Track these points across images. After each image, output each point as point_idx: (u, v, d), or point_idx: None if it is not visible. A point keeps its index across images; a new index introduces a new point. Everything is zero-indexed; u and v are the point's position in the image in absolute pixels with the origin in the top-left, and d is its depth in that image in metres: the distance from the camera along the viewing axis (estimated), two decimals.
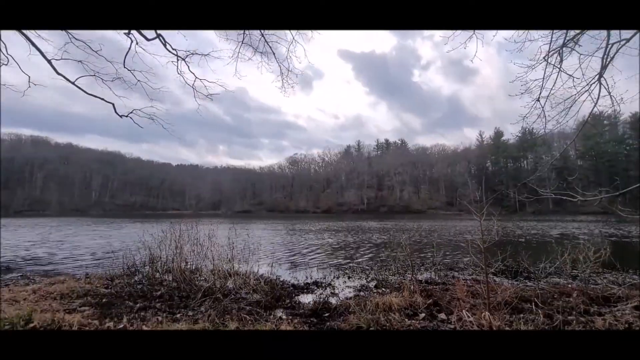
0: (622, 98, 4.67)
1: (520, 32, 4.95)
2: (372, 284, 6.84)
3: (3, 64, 4.68)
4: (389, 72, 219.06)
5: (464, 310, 4.34)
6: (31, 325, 4.05)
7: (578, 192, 4.48)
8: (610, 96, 4.72)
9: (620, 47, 4.53)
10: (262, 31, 5.38)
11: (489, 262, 4.93)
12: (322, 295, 5.85)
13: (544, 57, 4.97)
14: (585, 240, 14.92)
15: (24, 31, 4.45)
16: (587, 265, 5.77)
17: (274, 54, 5.73)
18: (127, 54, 5.23)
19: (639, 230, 19.78)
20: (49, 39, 4.71)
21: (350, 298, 5.52)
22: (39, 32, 4.59)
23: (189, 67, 5.69)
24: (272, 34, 5.50)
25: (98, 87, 5.18)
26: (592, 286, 6.00)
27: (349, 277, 7.71)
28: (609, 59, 4.62)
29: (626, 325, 4.13)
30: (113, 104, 5.30)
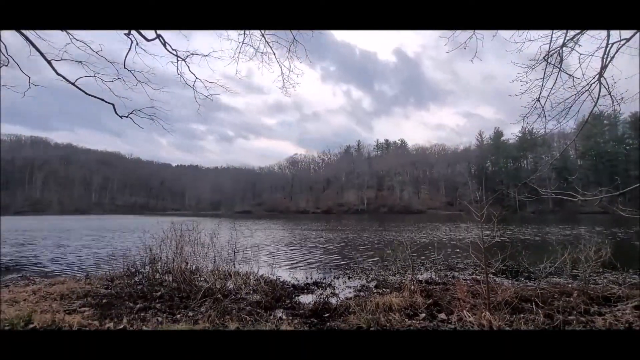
0: (622, 97, 4.67)
1: (520, 32, 4.95)
2: (372, 284, 6.83)
3: (3, 64, 4.67)
4: None
5: (464, 310, 4.34)
6: (31, 326, 4.05)
7: (578, 191, 4.47)
8: (611, 96, 4.72)
9: (620, 47, 4.52)
10: (263, 31, 5.38)
11: (489, 262, 4.93)
12: (322, 296, 5.84)
13: (543, 57, 4.97)
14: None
15: (24, 32, 4.44)
16: (588, 265, 5.76)
17: (274, 54, 5.73)
18: (127, 54, 5.23)
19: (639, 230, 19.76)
20: (49, 40, 4.71)
21: (351, 298, 5.51)
22: (39, 33, 4.59)
23: (189, 67, 5.69)
24: (272, 34, 5.50)
25: (98, 88, 5.19)
26: (592, 286, 5.99)
27: (349, 277, 7.71)
28: (609, 59, 4.62)
29: (626, 325, 4.13)
30: (113, 105, 5.29)
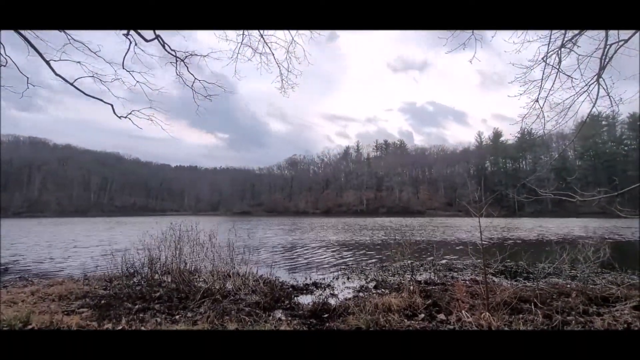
0: (620, 98, 4.68)
1: (519, 32, 4.96)
2: (371, 285, 6.83)
3: (2, 65, 4.66)
4: None
5: (463, 311, 4.34)
6: (29, 327, 4.03)
7: (577, 192, 4.48)
8: (609, 97, 4.73)
9: (619, 48, 4.53)
10: (261, 31, 5.37)
11: (488, 263, 4.93)
12: (321, 296, 5.83)
13: (542, 58, 4.98)
14: None
15: (23, 32, 4.43)
16: (587, 265, 5.77)
17: (273, 54, 5.72)
18: (125, 55, 5.22)
19: (639, 230, 19.82)
20: (48, 40, 4.70)
21: (350, 299, 5.51)
22: (38, 33, 4.58)
23: (187, 68, 5.68)
24: (271, 35, 5.49)
25: (97, 88, 5.18)
26: (591, 286, 5.99)
27: (348, 278, 7.70)
28: (607, 60, 4.62)
29: (625, 325, 4.13)
30: (112, 105, 5.29)
